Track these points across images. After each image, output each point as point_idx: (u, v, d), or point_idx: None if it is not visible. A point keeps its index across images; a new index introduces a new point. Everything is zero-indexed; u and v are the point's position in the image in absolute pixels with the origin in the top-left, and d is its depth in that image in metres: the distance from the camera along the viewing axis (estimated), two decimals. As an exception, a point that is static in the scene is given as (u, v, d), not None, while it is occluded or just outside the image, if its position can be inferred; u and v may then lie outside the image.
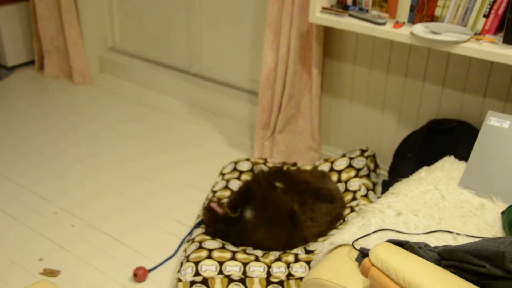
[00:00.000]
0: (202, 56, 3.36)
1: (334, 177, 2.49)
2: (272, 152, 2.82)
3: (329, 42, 2.57)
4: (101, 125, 3.19)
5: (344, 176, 2.46)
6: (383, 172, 2.65)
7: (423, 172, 1.82)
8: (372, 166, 2.57)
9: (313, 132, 2.74)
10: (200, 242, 2.04)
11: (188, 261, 1.92)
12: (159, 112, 3.34)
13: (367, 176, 2.46)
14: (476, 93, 2.26)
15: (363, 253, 1.40)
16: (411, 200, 1.65)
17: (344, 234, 1.54)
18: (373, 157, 2.58)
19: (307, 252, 2.00)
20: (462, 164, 1.84)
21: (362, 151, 2.56)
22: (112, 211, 2.47)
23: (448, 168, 1.81)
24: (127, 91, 3.59)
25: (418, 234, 1.49)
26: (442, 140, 2.33)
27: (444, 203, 1.63)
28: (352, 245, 1.46)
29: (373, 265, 1.19)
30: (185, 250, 2.03)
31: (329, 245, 1.53)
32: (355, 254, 1.44)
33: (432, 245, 1.40)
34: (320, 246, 1.62)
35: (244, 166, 2.62)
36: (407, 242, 1.28)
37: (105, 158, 2.86)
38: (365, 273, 1.21)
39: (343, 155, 2.57)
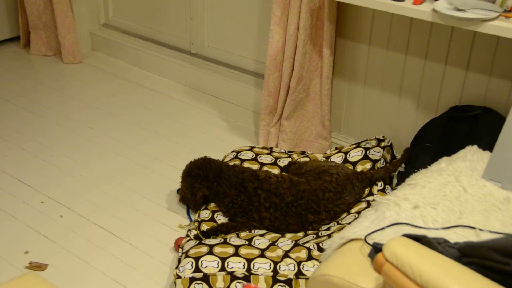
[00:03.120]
0: (203, 35, 3.35)
1: (349, 168, 2.47)
2: (278, 139, 2.82)
3: (342, 20, 2.56)
4: (94, 108, 3.19)
5: (359, 168, 2.45)
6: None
7: (443, 162, 1.81)
8: (389, 157, 2.55)
9: (323, 119, 2.74)
10: (200, 240, 2.04)
11: (187, 256, 1.92)
12: (156, 95, 3.34)
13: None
14: (503, 77, 2.24)
15: (377, 249, 1.40)
16: (429, 193, 1.64)
17: (356, 228, 1.54)
18: (390, 147, 2.57)
19: (321, 249, 1.99)
20: (486, 154, 1.84)
21: (379, 141, 2.55)
22: (104, 200, 2.48)
23: (470, 158, 1.81)
24: (121, 71, 3.58)
25: (437, 229, 1.49)
26: (464, 128, 2.32)
27: (466, 196, 1.62)
28: (365, 239, 1.46)
29: (387, 260, 1.19)
30: (182, 247, 2.04)
31: (339, 240, 1.53)
32: (368, 249, 1.44)
33: (452, 241, 1.39)
34: (329, 239, 1.62)
35: (247, 155, 2.61)
36: (424, 237, 1.28)
37: (100, 145, 2.87)
38: (378, 269, 1.21)
39: (358, 145, 2.56)
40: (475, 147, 1.91)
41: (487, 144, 2.13)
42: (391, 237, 1.44)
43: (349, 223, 2.01)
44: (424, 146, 2.38)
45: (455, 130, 2.33)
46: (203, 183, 2.26)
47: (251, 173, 2.26)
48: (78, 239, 2.26)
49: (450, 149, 2.30)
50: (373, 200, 2.15)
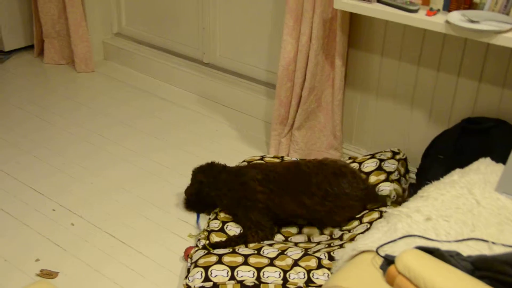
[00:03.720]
0: (215, 44, 3.37)
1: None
2: (290, 150, 2.82)
3: (354, 31, 2.57)
4: (105, 117, 3.22)
5: (372, 178, 2.43)
6: (412, 176, 2.63)
7: (456, 174, 1.81)
8: (402, 170, 2.54)
9: (334, 129, 2.74)
10: (209, 250, 2.04)
11: (196, 266, 1.92)
12: (168, 104, 3.36)
13: (398, 181, 2.44)
14: (516, 89, 2.24)
15: (388, 261, 1.40)
16: (442, 205, 1.64)
17: (367, 239, 1.53)
18: (404, 160, 2.56)
19: (331, 258, 1.99)
20: (499, 167, 1.83)
21: (394, 153, 2.54)
22: (115, 208, 2.49)
23: (484, 170, 1.80)
24: (133, 81, 3.61)
25: (449, 241, 1.48)
26: (477, 141, 2.30)
27: (479, 209, 1.62)
28: (377, 251, 1.46)
29: (399, 273, 1.19)
30: (190, 257, 2.04)
31: (351, 251, 1.53)
32: (379, 261, 1.44)
33: (465, 254, 1.39)
34: (340, 250, 1.61)
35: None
36: (437, 249, 1.27)
37: (111, 153, 2.89)
38: (390, 281, 1.21)
39: (373, 156, 2.55)
40: (488, 159, 1.90)
41: (500, 156, 2.12)
42: (403, 249, 1.44)
43: (361, 233, 2.00)
44: (437, 158, 2.37)
45: (468, 142, 2.32)
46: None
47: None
48: (89, 247, 2.27)
49: (463, 162, 2.28)
50: (385, 212, 2.14)
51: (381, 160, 2.49)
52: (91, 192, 2.59)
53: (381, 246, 1.47)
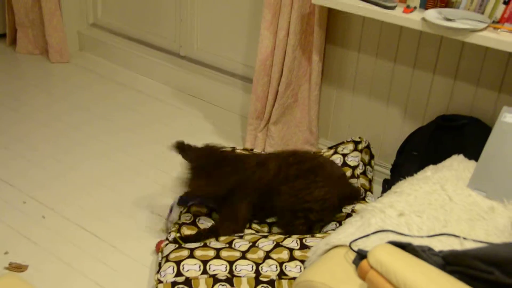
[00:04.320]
0: (193, 37, 3.35)
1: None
2: (265, 144, 2.82)
3: (332, 27, 2.57)
4: (81, 110, 3.17)
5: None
6: (381, 169, 2.66)
7: (429, 170, 1.83)
8: (367, 158, 2.56)
9: (310, 125, 2.74)
10: (180, 243, 2.03)
11: (168, 261, 1.91)
12: (144, 98, 3.33)
13: (364, 173, 2.46)
14: (490, 87, 2.27)
15: (361, 255, 1.40)
16: (415, 200, 1.65)
17: (340, 234, 1.54)
18: (367, 148, 2.58)
19: (303, 247, 2.00)
20: (472, 164, 1.85)
21: (355, 143, 2.54)
22: (89, 202, 2.47)
23: (456, 167, 1.82)
24: (109, 73, 3.57)
25: (422, 237, 1.50)
26: (450, 138, 2.33)
27: (451, 205, 1.63)
28: (350, 246, 1.46)
29: (371, 267, 1.20)
30: (161, 251, 2.03)
31: (324, 246, 1.53)
32: (352, 256, 1.45)
33: (437, 249, 1.40)
34: (314, 245, 1.62)
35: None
36: (409, 244, 1.28)
37: (88, 147, 2.85)
38: (362, 276, 1.22)
39: (335, 151, 2.54)
40: (461, 156, 1.93)
41: (473, 154, 2.15)
42: (376, 244, 1.45)
43: (333, 230, 2.01)
44: (411, 154, 2.40)
45: (442, 139, 2.35)
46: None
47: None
48: (60, 240, 2.24)
49: (436, 158, 2.31)
50: (352, 211, 2.14)
51: (344, 155, 2.50)
52: (66, 186, 2.56)
53: (354, 240, 1.48)
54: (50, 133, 2.94)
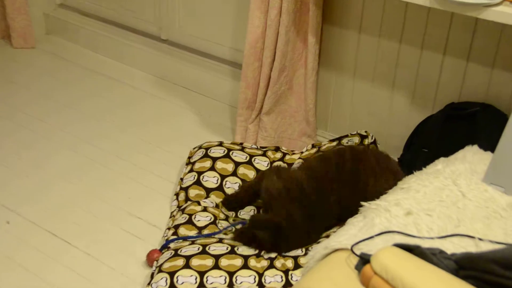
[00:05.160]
0: (174, 18, 3.32)
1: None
2: (258, 137, 2.80)
3: (329, 4, 2.55)
4: (47, 100, 3.15)
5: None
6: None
7: (440, 164, 1.82)
8: None
9: (307, 115, 2.73)
10: (176, 250, 2.02)
11: (161, 271, 1.90)
12: (119, 85, 3.30)
13: None
14: (507, 68, 2.26)
15: (364, 260, 1.39)
16: (424, 197, 1.64)
17: (341, 236, 1.53)
18: (374, 144, 2.58)
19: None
20: (487, 155, 1.84)
21: (362, 137, 2.54)
22: (57, 203, 2.44)
23: (470, 159, 1.81)
24: (80, 58, 3.53)
25: (432, 238, 1.49)
26: (463, 128, 2.33)
27: (465, 202, 1.63)
28: (351, 249, 1.45)
29: (375, 273, 1.19)
30: (156, 260, 2.02)
31: (323, 250, 1.52)
32: (355, 260, 1.43)
33: (449, 251, 1.39)
34: (312, 249, 1.61)
35: (218, 152, 2.59)
36: (417, 247, 1.27)
37: (54, 141, 2.83)
38: (365, 283, 1.21)
39: (339, 142, 2.55)
40: (475, 147, 1.92)
41: (487, 143, 2.14)
42: (381, 247, 1.44)
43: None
44: (420, 151, 2.39)
45: (454, 130, 2.34)
46: None
47: None
48: (26, 248, 2.22)
49: (450, 153, 2.31)
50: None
51: None
52: (30, 186, 2.54)
53: (356, 243, 1.47)
54: (11, 126, 2.92)
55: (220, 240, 2.10)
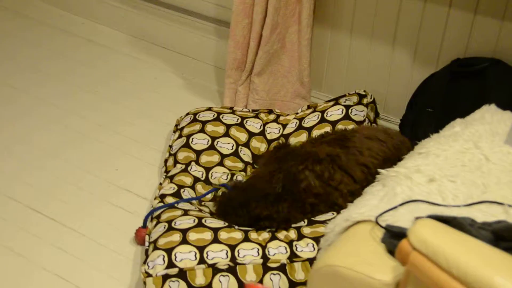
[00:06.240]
0: (150, -28, 3.22)
1: (327, 129, 2.44)
2: (248, 100, 2.75)
3: (325, -46, 2.49)
4: (12, 64, 3.04)
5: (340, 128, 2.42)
6: (386, 124, 2.64)
7: (458, 125, 1.79)
8: (372, 116, 2.55)
9: (301, 75, 2.68)
10: (169, 222, 1.96)
11: (156, 248, 1.85)
12: (95, 48, 3.21)
13: None
14: (519, 21, 2.23)
15: (392, 232, 1.36)
16: (445, 162, 1.61)
17: (362, 207, 1.49)
18: (373, 103, 2.56)
19: (311, 223, 1.97)
20: (508, 115, 1.82)
21: (360, 96, 2.51)
22: (41, 179, 2.38)
23: (489, 120, 1.78)
24: (48, 17, 3.42)
25: (459, 206, 1.46)
26: (470, 86, 2.31)
27: (489, 166, 1.60)
28: (376, 221, 1.42)
29: (414, 249, 1.15)
30: (148, 233, 1.97)
31: (344, 222, 1.48)
32: (379, 232, 1.40)
33: (478, 220, 1.37)
34: (330, 221, 1.57)
35: (207, 116, 2.53)
36: (454, 218, 1.24)
37: (18, 106, 2.75)
38: (403, 259, 1.17)
39: (337, 102, 2.52)
40: (493, 106, 1.89)
41: (499, 102, 2.13)
42: (407, 217, 1.41)
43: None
44: (425, 111, 2.36)
45: (460, 88, 2.32)
46: None
47: None
48: (10, 228, 2.16)
49: (457, 112, 2.29)
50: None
51: (348, 107, 2.46)
52: (7, 163, 2.45)
53: (381, 215, 1.43)
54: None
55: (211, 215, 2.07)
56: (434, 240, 1.13)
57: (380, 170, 1.65)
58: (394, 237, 1.36)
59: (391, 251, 1.35)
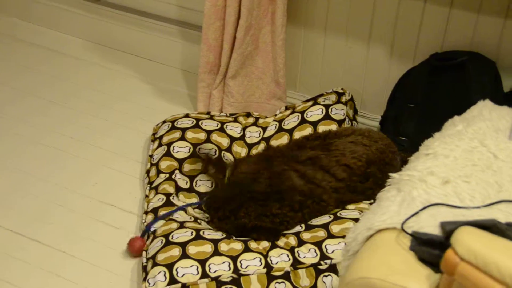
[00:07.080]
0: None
1: (309, 130, 2.42)
2: (223, 103, 2.70)
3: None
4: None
5: (320, 129, 2.40)
6: (366, 122, 2.64)
7: (459, 123, 1.77)
8: (351, 113, 2.54)
9: (276, 75, 2.65)
10: (166, 236, 1.90)
11: (156, 264, 1.80)
12: (55, 56, 3.10)
13: None
14: (495, 13, 2.24)
15: (420, 240, 1.33)
16: (456, 163, 1.60)
17: (383, 215, 1.46)
18: (352, 101, 2.56)
19: (309, 227, 1.96)
20: (506, 111, 1.82)
21: (339, 95, 2.50)
22: (21, 202, 2.27)
23: (488, 116, 1.78)
24: (5, 28, 3.28)
25: (478, 207, 1.45)
26: (450, 80, 2.32)
27: (498, 164, 1.59)
28: (402, 228, 1.39)
29: (462, 259, 1.12)
30: (146, 250, 1.90)
31: (366, 231, 1.44)
32: (406, 240, 1.37)
33: (501, 221, 1.36)
34: (350, 230, 1.53)
35: (186, 123, 2.48)
36: (493, 223, 1.22)
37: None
38: (451, 270, 1.14)
39: (315, 102, 2.50)
40: (487, 102, 1.89)
41: (480, 95, 2.15)
42: (431, 223, 1.38)
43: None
44: (406, 107, 2.37)
45: (440, 82, 2.34)
46: None
47: None
48: (1, 257, 2.05)
49: (438, 106, 2.30)
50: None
51: (327, 106, 2.45)
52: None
53: (405, 221, 1.40)
54: None
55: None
56: (482, 250, 1.11)
57: (391, 174, 1.62)
58: (423, 244, 1.34)
59: (422, 259, 1.33)
